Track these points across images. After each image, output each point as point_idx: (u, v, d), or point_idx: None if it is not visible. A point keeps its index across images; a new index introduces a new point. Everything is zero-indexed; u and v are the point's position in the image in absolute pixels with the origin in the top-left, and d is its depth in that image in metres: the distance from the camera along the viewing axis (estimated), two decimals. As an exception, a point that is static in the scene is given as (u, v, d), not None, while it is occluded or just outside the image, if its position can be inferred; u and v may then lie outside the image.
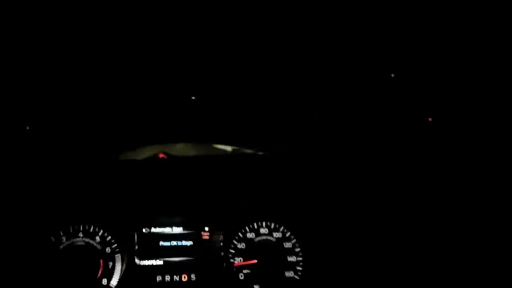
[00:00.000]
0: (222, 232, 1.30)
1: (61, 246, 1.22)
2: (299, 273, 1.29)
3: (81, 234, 1.24)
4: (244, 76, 1.29)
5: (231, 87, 1.31)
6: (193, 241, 1.28)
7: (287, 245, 1.32)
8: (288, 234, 1.33)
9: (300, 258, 1.31)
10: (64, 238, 1.23)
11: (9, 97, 1.17)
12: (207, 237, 1.30)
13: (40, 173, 1.20)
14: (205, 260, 1.27)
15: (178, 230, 1.29)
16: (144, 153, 1.45)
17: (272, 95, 1.38)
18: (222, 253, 1.27)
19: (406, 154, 1.34)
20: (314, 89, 1.38)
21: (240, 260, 1.28)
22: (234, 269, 1.27)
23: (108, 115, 1.27)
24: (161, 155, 1.63)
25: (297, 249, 1.31)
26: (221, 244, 1.29)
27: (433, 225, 1.25)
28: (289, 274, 1.29)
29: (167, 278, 1.23)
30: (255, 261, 1.27)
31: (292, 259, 1.31)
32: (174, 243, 1.27)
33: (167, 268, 1.24)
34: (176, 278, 1.23)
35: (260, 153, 1.49)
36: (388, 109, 1.37)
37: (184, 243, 1.28)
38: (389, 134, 1.37)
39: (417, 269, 1.21)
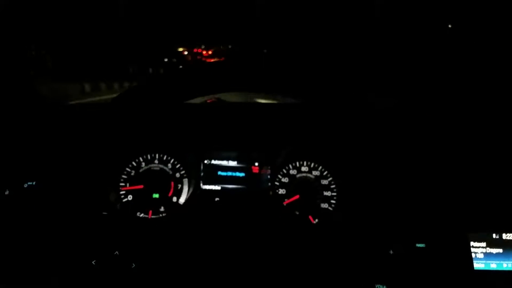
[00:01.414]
0: (269, 168, 1.53)
1: (141, 170, 1.53)
2: (333, 205, 1.51)
3: (156, 161, 1.53)
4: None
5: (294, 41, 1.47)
6: (245, 173, 1.53)
7: (324, 182, 1.54)
8: (325, 172, 1.54)
9: (334, 193, 1.52)
10: (143, 164, 1.52)
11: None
12: (256, 171, 1.54)
13: (131, 115, 1.45)
14: (254, 189, 1.53)
15: (233, 163, 1.53)
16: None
17: (323, 52, 1.54)
18: (269, 184, 1.52)
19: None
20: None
21: (283, 191, 1.53)
22: (279, 198, 1.52)
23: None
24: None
25: (332, 186, 1.53)
26: (268, 177, 1.53)
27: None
28: (324, 205, 1.52)
29: (224, 200, 1.51)
30: (297, 196, 1.51)
31: (327, 193, 1.52)
32: (229, 173, 1.52)
33: (224, 192, 1.51)
34: (231, 201, 1.51)
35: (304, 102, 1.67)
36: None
37: (238, 174, 1.53)
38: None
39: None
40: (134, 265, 1.26)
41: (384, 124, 1.53)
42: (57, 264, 1.30)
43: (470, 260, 1.32)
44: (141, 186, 1.48)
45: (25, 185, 1.40)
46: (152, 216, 1.47)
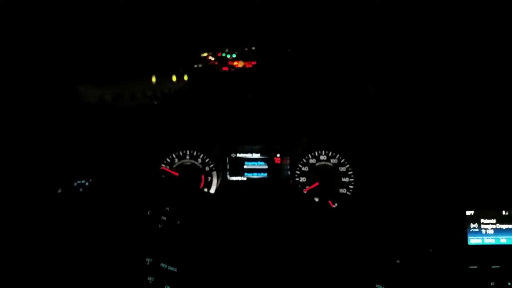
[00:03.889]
0: (289, 158, 1.67)
1: (174, 165, 1.69)
2: (351, 190, 1.63)
3: (188, 157, 1.69)
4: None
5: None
6: (268, 164, 1.67)
7: (342, 169, 1.65)
8: (342, 160, 1.65)
9: (352, 179, 1.64)
10: (176, 159, 1.69)
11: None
12: (278, 162, 1.68)
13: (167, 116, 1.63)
14: (276, 178, 1.66)
15: (256, 155, 1.67)
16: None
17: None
18: (289, 173, 1.66)
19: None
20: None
21: (304, 179, 1.66)
22: (299, 186, 1.65)
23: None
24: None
25: (350, 172, 1.64)
26: (289, 166, 1.67)
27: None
28: (343, 190, 1.64)
29: (250, 189, 1.66)
30: (317, 183, 1.64)
31: (345, 179, 1.64)
32: (254, 164, 1.67)
33: (249, 182, 1.66)
34: (256, 190, 1.66)
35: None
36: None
37: (261, 165, 1.68)
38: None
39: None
40: (179, 222, 1.44)
41: (396, 111, 1.63)
42: (110, 258, 1.49)
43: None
44: (177, 174, 1.65)
45: (75, 184, 1.59)
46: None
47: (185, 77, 2.07)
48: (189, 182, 1.66)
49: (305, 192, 1.64)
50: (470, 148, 1.50)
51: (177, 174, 1.65)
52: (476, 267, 1.37)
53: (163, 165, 1.66)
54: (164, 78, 1.96)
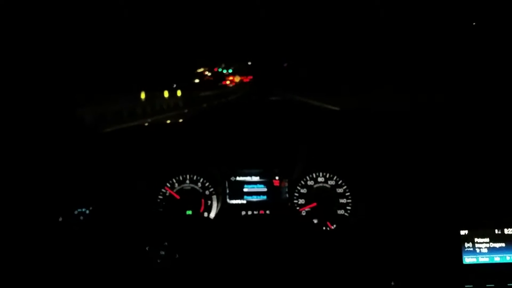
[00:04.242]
0: (288, 180, 1.70)
1: (174, 190, 1.71)
2: (348, 211, 1.67)
3: (187, 181, 1.70)
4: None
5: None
6: (267, 187, 1.70)
7: (339, 190, 1.68)
8: (340, 181, 1.69)
9: (349, 200, 1.68)
10: (176, 184, 1.70)
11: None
12: (277, 184, 1.70)
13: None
14: (276, 201, 1.69)
15: (256, 178, 1.69)
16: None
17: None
18: (288, 195, 1.69)
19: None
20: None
21: (303, 201, 1.70)
22: (298, 208, 1.69)
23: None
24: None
25: (347, 193, 1.68)
26: (287, 189, 1.70)
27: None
28: (340, 212, 1.67)
29: (249, 212, 1.68)
30: (315, 204, 1.67)
31: (343, 201, 1.67)
32: (253, 187, 1.70)
33: (248, 205, 1.68)
34: (255, 212, 1.68)
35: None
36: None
37: (260, 188, 1.70)
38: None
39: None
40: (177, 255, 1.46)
41: (392, 132, 1.68)
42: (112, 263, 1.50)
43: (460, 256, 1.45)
44: (178, 197, 1.67)
45: (76, 212, 1.60)
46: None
47: (178, 93, 2.10)
48: (189, 206, 1.68)
49: (301, 211, 1.66)
50: (463, 170, 1.55)
51: (178, 196, 1.67)
52: (471, 286, 1.41)
53: (167, 185, 1.68)
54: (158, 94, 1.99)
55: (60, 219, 1.57)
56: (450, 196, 1.54)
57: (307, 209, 1.67)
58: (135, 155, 1.70)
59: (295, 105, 1.86)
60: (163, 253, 1.49)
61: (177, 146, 1.68)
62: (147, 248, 1.49)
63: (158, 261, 1.49)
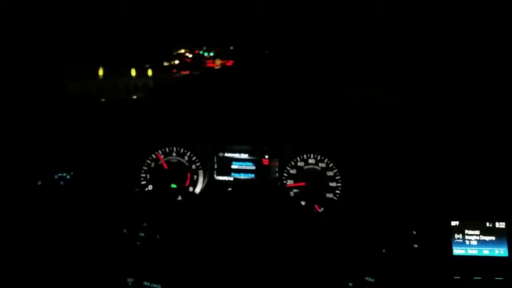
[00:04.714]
0: (278, 160, 1.65)
1: (160, 162, 1.66)
2: (337, 195, 1.62)
3: (174, 154, 1.65)
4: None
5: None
6: (255, 165, 1.65)
7: (329, 173, 1.63)
8: (331, 165, 1.65)
9: (339, 184, 1.63)
10: (162, 156, 1.66)
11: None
12: (266, 163, 1.66)
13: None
14: (264, 180, 1.64)
15: (245, 156, 1.65)
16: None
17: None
18: (277, 175, 1.64)
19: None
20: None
21: (292, 182, 1.65)
22: (286, 188, 1.64)
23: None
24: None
25: (337, 177, 1.63)
26: (277, 169, 1.65)
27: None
28: (329, 195, 1.62)
29: (236, 189, 1.64)
30: (304, 183, 1.62)
31: (332, 184, 1.63)
32: (241, 165, 1.65)
33: (236, 183, 1.64)
34: (242, 190, 1.64)
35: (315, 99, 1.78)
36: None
37: (249, 165, 1.65)
38: None
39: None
40: (158, 236, 1.42)
41: (386, 118, 1.63)
42: (91, 244, 1.45)
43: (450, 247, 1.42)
44: (166, 166, 1.62)
45: (56, 176, 1.54)
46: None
47: (149, 72, 2.06)
48: (174, 179, 1.63)
49: (288, 186, 1.62)
50: (458, 158, 1.51)
51: (166, 166, 1.61)
52: (459, 277, 1.37)
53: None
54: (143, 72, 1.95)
55: (39, 182, 1.52)
56: (443, 185, 1.50)
57: (295, 189, 1.62)
58: (121, 126, 1.65)
59: (290, 85, 1.80)
60: (142, 234, 1.45)
61: (166, 117, 1.62)
62: (124, 231, 1.45)
63: (138, 243, 1.45)
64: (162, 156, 1.62)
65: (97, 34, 1.79)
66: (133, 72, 2.04)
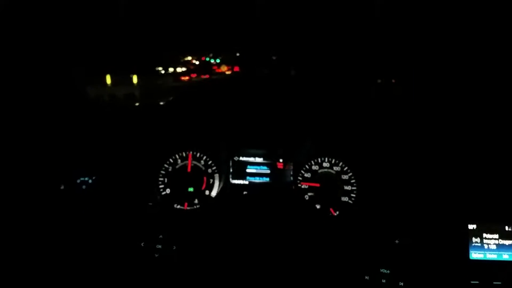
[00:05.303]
0: (292, 163, 1.67)
1: (177, 166, 1.70)
2: (353, 199, 1.62)
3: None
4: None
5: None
6: (270, 169, 1.67)
7: (344, 177, 1.64)
8: (345, 168, 1.65)
9: (354, 188, 1.63)
10: (179, 160, 1.69)
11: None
12: (281, 167, 1.68)
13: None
14: (279, 183, 1.66)
15: (259, 160, 1.68)
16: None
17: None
18: (292, 179, 1.65)
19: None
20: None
21: (306, 187, 1.65)
22: (301, 191, 1.65)
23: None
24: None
25: (352, 181, 1.63)
26: (291, 172, 1.67)
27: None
28: (344, 199, 1.62)
29: (251, 193, 1.66)
30: (318, 184, 1.63)
31: (347, 188, 1.63)
32: (256, 168, 1.68)
33: (251, 186, 1.67)
34: (257, 194, 1.66)
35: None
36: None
37: (264, 169, 1.68)
38: None
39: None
40: (175, 247, 1.46)
41: (400, 123, 1.63)
42: (109, 248, 1.51)
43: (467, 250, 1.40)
44: (189, 170, 1.65)
45: (78, 181, 1.61)
46: (188, 208, 1.64)
47: (134, 79, 2.11)
48: (191, 184, 1.66)
49: (303, 187, 1.62)
50: (475, 160, 1.48)
51: (190, 169, 1.64)
52: (477, 282, 1.35)
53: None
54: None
55: (62, 186, 1.59)
56: (460, 188, 1.48)
57: (309, 192, 1.63)
58: (141, 130, 1.71)
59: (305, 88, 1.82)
60: (159, 246, 1.50)
61: (183, 122, 1.67)
62: (142, 244, 1.49)
63: (156, 255, 1.50)
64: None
65: (104, 41, 1.85)
66: (135, 79, 2.11)
